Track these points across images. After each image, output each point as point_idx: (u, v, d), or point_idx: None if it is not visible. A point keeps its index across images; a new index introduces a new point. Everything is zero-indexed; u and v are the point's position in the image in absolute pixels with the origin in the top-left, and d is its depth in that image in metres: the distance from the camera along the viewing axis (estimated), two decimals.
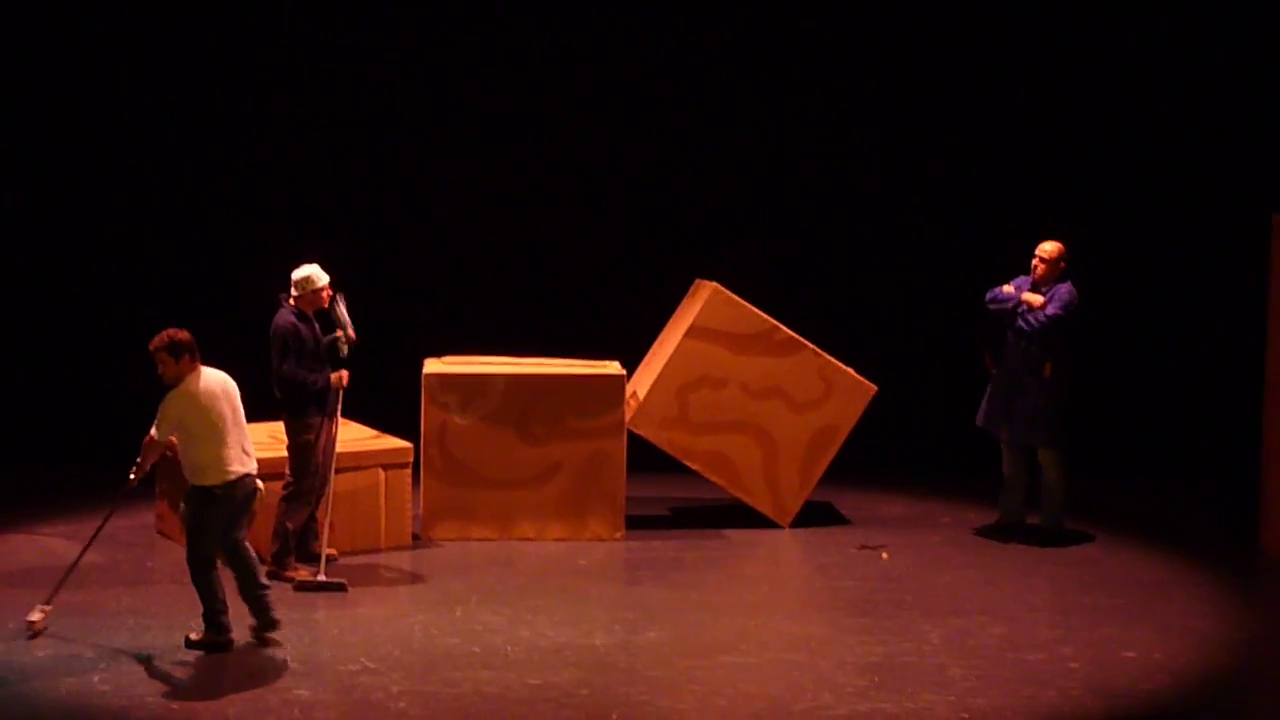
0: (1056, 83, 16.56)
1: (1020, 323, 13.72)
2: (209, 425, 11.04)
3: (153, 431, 11.11)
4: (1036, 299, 13.69)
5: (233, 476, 11.10)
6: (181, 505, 11.35)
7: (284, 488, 12.77)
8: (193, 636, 11.20)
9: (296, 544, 12.79)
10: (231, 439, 11.13)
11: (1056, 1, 16.51)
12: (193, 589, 11.17)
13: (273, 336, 12.73)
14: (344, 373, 12.83)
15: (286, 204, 16.39)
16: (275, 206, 16.38)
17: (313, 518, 12.93)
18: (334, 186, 16.51)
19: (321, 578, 12.52)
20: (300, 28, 16.40)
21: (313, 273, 12.84)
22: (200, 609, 11.13)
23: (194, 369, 11.09)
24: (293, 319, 12.74)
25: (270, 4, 16.39)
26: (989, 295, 13.91)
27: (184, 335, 11.08)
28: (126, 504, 12.05)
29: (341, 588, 12.44)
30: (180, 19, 16.28)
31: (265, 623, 11.30)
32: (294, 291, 12.81)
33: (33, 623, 11.26)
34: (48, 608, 11.37)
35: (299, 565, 12.74)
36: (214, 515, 11.11)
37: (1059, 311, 13.63)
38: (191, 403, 11.03)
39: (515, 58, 16.56)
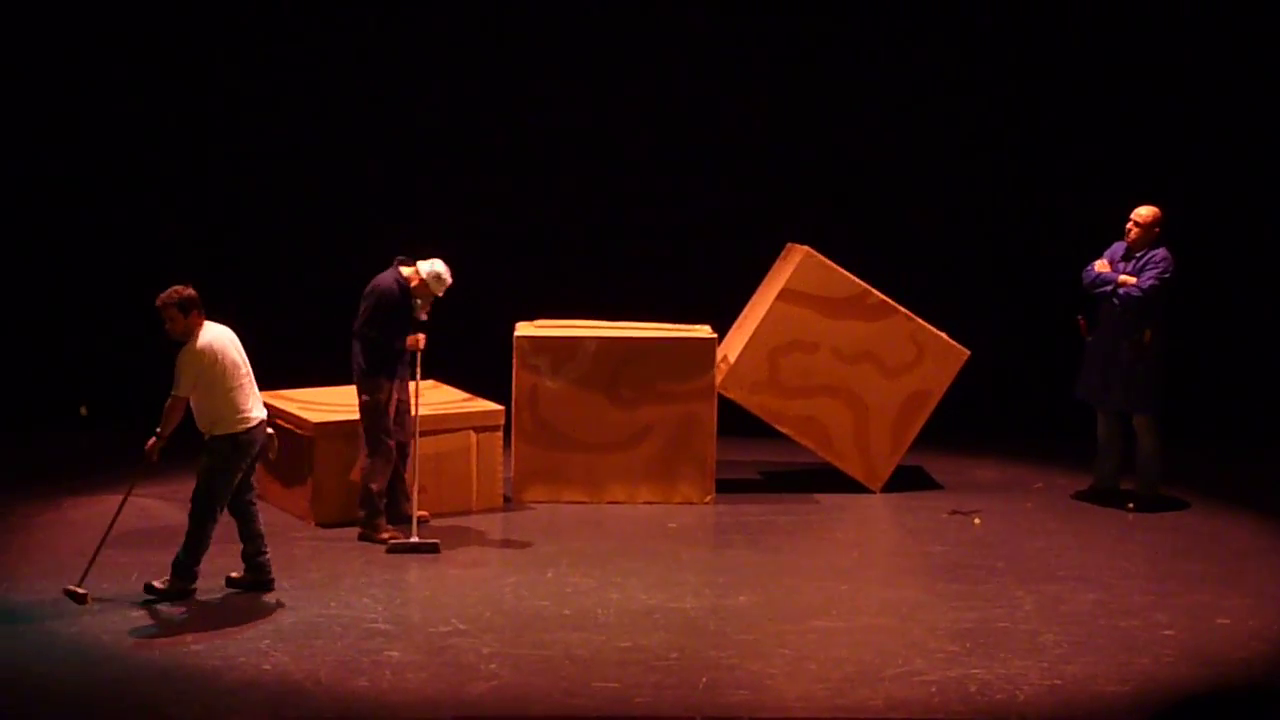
0: (1155, 42, 16.39)
1: (1115, 300, 13.60)
2: (225, 374, 11.26)
3: (176, 391, 11.23)
4: (1132, 280, 13.56)
5: (254, 421, 11.36)
6: (202, 458, 11.38)
7: (364, 448, 12.84)
8: (158, 585, 11.35)
9: (386, 505, 12.83)
10: (246, 385, 11.36)
11: None
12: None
13: (373, 295, 12.75)
14: (420, 335, 12.83)
15: (379, 169, 16.45)
16: (369, 171, 16.46)
17: (400, 478, 12.97)
18: (426, 151, 16.52)
19: (414, 539, 12.56)
20: None
21: (446, 275, 12.81)
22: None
23: (200, 323, 11.29)
24: (399, 287, 12.76)
25: None
26: (1087, 278, 13.76)
27: (191, 291, 11.28)
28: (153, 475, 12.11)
29: (434, 549, 12.48)
30: None
31: (263, 583, 11.55)
32: (421, 273, 12.80)
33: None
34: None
35: (390, 527, 12.79)
36: (237, 462, 11.33)
37: (1154, 281, 13.51)
38: (207, 355, 11.21)
39: (604, 20, 16.53)
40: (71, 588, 11.21)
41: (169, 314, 11.22)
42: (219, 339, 11.33)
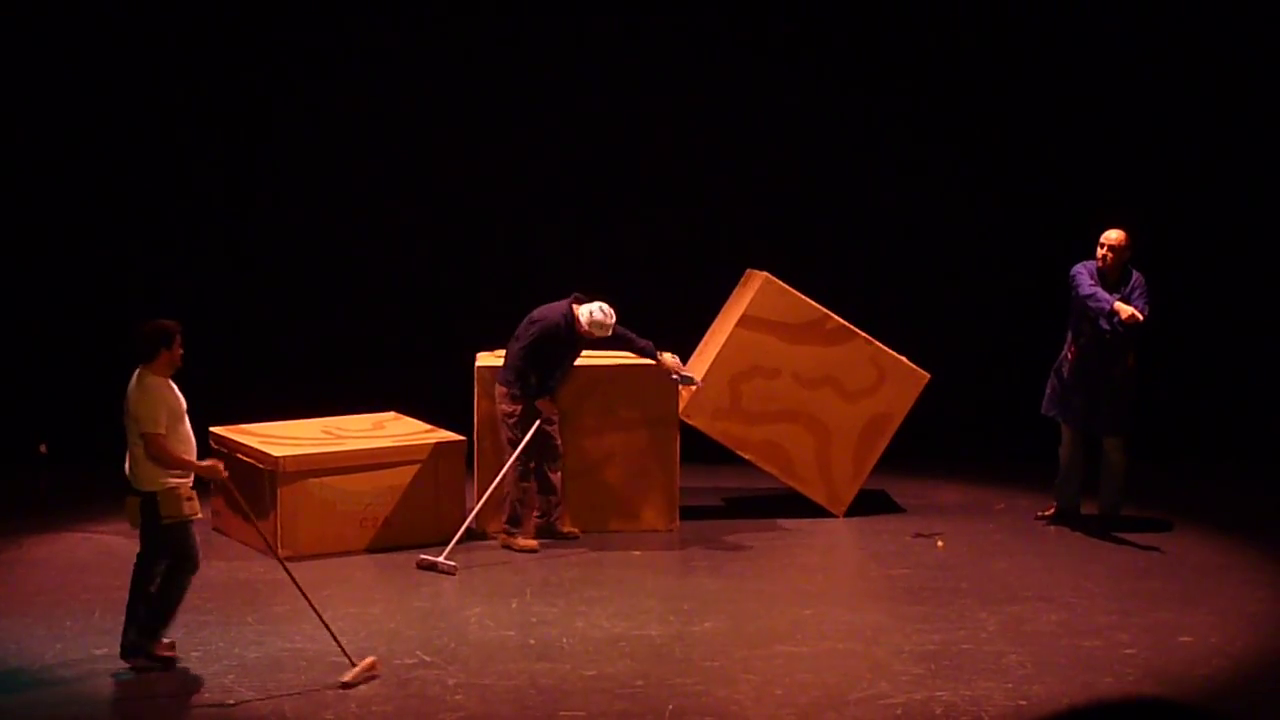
0: (1115, 63, 16.47)
1: (1120, 328, 13.46)
2: None
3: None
4: (1127, 310, 13.37)
5: None
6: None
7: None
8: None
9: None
10: None
11: None
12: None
13: (536, 325, 13.32)
14: (550, 406, 13.46)
15: (320, 207, 16.47)
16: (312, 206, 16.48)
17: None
18: (380, 187, 16.54)
19: (441, 559, 12.77)
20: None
21: (607, 321, 13.35)
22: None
23: None
24: (563, 322, 13.27)
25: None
26: (1085, 293, 13.41)
27: None
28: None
29: (451, 571, 12.70)
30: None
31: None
32: (587, 318, 13.31)
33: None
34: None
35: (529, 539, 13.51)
36: None
37: (1148, 309, 13.43)
38: None
39: (558, 44, 16.56)
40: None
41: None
42: None
